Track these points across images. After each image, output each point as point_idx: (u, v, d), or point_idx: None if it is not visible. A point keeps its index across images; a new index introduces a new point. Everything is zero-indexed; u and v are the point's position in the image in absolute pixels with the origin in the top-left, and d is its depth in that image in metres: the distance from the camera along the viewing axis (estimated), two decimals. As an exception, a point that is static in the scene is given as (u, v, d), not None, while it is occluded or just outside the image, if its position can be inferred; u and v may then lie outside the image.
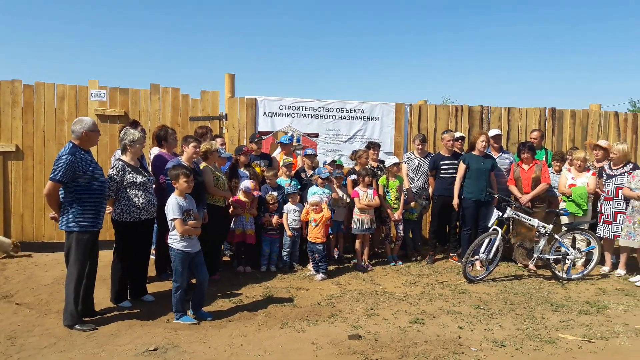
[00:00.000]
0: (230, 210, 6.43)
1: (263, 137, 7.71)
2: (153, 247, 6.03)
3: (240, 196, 6.45)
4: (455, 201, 7.09)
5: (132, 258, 5.20)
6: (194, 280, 5.06)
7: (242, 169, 6.72)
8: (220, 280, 6.13)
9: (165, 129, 6.14)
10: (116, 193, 5.00)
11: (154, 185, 5.35)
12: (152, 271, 6.01)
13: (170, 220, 4.72)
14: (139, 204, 5.04)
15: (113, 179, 4.95)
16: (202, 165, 5.90)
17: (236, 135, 7.97)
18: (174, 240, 4.75)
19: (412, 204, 7.42)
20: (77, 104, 7.75)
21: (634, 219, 6.36)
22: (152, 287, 5.67)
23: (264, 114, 8.07)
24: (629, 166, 6.80)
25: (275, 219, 6.68)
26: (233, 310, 5.16)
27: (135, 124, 6.21)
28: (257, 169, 6.98)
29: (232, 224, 6.57)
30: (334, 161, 7.40)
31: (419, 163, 7.61)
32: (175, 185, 4.82)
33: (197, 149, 5.63)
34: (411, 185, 7.57)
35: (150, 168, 5.81)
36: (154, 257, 6.14)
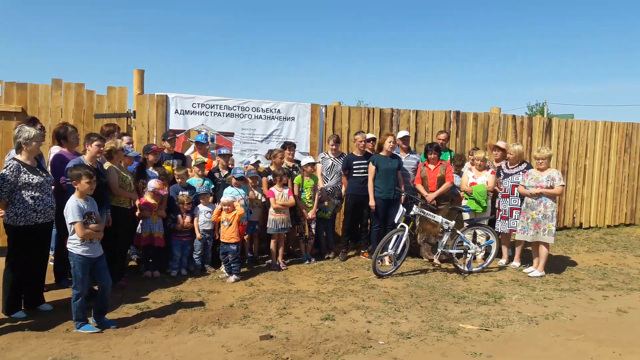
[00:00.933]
0: (136, 213, 6.18)
1: (176, 135, 7.49)
2: (52, 252, 5.66)
3: (148, 198, 6.22)
4: (372, 202, 7.28)
5: (26, 265, 4.82)
6: (96, 287, 4.81)
7: (150, 169, 6.48)
8: (126, 286, 5.87)
9: (65, 127, 5.76)
10: (10, 195, 4.64)
11: (52, 187, 5.01)
12: (51, 278, 5.64)
13: (70, 223, 4.45)
14: (36, 206, 4.72)
15: (6, 180, 4.59)
16: (107, 165, 5.62)
17: (145, 134, 7.66)
18: (74, 245, 4.48)
19: (326, 202, 7.54)
20: (-34, 98, 7.10)
21: (528, 215, 6.87)
22: (50, 296, 5.33)
23: (176, 111, 7.82)
24: (524, 165, 7.34)
25: (186, 220, 6.51)
26: (139, 316, 4.96)
27: (33, 121, 5.81)
28: (169, 168, 6.77)
29: (139, 227, 6.32)
30: (258, 162, 7.35)
31: (332, 163, 7.76)
32: (76, 186, 4.55)
33: (101, 148, 5.35)
34: (325, 185, 7.70)
35: (49, 168, 5.45)
36: (52, 263, 5.76)
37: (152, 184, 6.21)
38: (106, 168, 5.57)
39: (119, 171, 5.70)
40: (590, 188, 10.82)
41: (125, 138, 6.54)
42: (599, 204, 10.91)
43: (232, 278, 6.26)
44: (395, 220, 6.82)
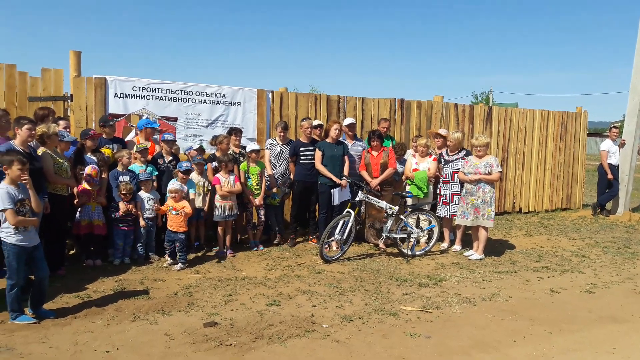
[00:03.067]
0: (75, 201, 5.95)
1: (116, 119, 7.23)
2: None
3: (86, 185, 5.99)
4: (334, 178, 7.26)
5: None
6: (33, 277, 4.62)
7: (89, 155, 6.24)
8: (66, 275, 5.67)
9: (-5, 110, 5.46)
10: None
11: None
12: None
13: (0, 211, 4.25)
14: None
15: None
16: (41, 150, 5.36)
17: (83, 118, 7.34)
18: (7, 234, 4.29)
19: (275, 189, 7.53)
20: None
21: (468, 200, 7.12)
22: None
23: (115, 95, 7.52)
24: (463, 152, 7.58)
25: (130, 206, 6.31)
26: (80, 306, 4.82)
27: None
28: (108, 151, 6.53)
29: (77, 214, 6.08)
30: (201, 147, 7.22)
31: (280, 149, 7.74)
32: (6, 172, 4.35)
33: (32, 132, 5.09)
34: (274, 171, 7.68)
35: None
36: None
37: (87, 170, 5.98)
38: (40, 153, 5.32)
39: (54, 157, 5.46)
40: (529, 174, 11.31)
41: (62, 122, 6.26)
42: (537, 190, 11.43)
43: (178, 266, 6.16)
44: (334, 203, 6.94)
